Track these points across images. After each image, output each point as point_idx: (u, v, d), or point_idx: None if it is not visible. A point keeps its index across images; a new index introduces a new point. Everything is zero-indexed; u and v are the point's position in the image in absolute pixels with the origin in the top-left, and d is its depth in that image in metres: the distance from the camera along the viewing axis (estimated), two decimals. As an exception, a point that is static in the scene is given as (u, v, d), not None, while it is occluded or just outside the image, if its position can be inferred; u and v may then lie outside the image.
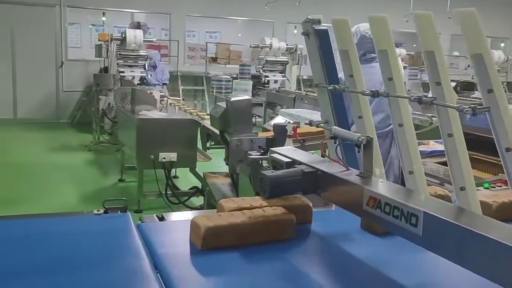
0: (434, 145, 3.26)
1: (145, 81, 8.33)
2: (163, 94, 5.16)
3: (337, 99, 1.75)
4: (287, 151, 1.82)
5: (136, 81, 7.88)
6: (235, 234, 1.43)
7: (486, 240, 1.02)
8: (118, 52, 7.94)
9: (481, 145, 2.87)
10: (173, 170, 5.27)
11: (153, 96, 4.57)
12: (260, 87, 9.21)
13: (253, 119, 9.54)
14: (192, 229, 1.45)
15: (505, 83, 12.61)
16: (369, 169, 1.48)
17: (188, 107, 5.17)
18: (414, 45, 15.72)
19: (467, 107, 1.11)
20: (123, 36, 7.90)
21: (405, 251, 1.39)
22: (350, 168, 1.55)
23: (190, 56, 13.00)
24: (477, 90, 10.73)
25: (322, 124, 1.70)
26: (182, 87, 10.35)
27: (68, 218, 1.73)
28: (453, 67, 14.57)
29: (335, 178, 1.50)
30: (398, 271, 1.37)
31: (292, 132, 2.58)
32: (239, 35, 13.22)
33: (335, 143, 1.60)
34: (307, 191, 1.62)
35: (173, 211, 4.17)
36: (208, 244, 1.40)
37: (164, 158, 4.05)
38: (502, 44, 14.68)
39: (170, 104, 5.05)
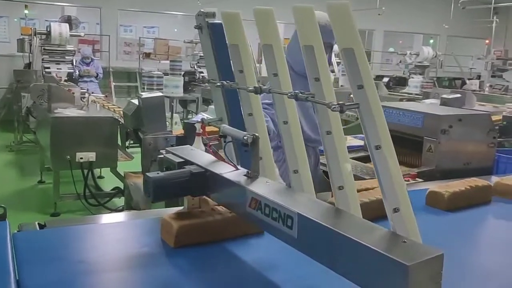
0: (351, 140, 3.28)
1: (73, 77, 7.98)
2: (84, 90, 4.93)
3: (231, 96, 1.68)
4: (183, 150, 1.74)
5: (64, 77, 7.52)
6: (206, 231, 1.45)
7: (355, 244, 0.98)
8: (43, 47, 7.55)
9: (401, 140, 2.91)
10: (97, 170, 5.07)
11: (72, 93, 4.35)
12: (195, 83, 9.07)
13: (190, 116, 9.39)
14: (164, 227, 1.45)
15: (435, 78, 13.12)
16: (256, 169, 1.43)
17: (112, 104, 4.96)
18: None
19: (336, 104, 1.06)
20: (48, 30, 7.52)
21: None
22: (240, 168, 1.49)
23: (126, 52, 12.63)
24: (408, 85, 11.11)
25: (213, 122, 1.62)
26: (114, 83, 10.02)
27: None
28: (388, 62, 15.03)
29: (221, 178, 1.44)
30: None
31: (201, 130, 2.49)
32: (175, 30, 12.97)
33: (224, 141, 1.54)
34: (196, 193, 1.55)
35: (92, 213, 4.00)
36: (181, 242, 1.40)
37: (81, 158, 3.86)
38: (431, 41, 15.24)
39: (93, 101, 4.84)
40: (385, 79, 12.29)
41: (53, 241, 1.51)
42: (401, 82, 12.03)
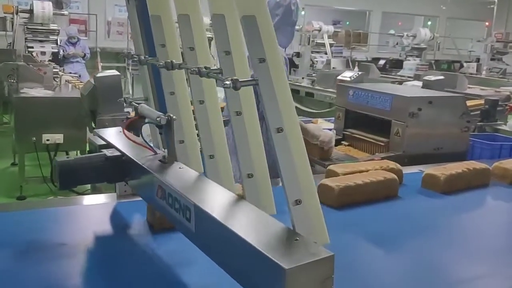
0: (322, 123, 3.13)
1: (59, 57, 7.81)
2: (56, 70, 4.77)
3: (159, 74, 1.54)
4: (110, 132, 1.60)
5: (48, 57, 7.35)
6: (360, 193, 1.65)
7: (242, 241, 0.84)
8: (26, 26, 7.36)
9: (370, 123, 2.77)
10: (73, 153, 4.93)
11: (44, 72, 4.20)
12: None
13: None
14: (322, 191, 1.60)
15: (432, 61, 12.88)
16: (172, 153, 1.29)
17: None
18: (348, 23, 15.82)
19: (229, 80, 0.92)
20: (31, 8, 7.33)
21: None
22: (159, 152, 1.36)
23: (119, 32, 12.38)
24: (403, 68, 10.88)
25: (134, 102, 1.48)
26: (102, 64, 9.83)
27: None
28: (385, 45, 14.75)
29: (135, 164, 1.31)
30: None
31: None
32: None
33: (142, 123, 1.40)
34: (112, 179, 1.42)
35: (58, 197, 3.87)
36: (342, 202, 1.61)
37: (48, 140, 3.72)
38: (429, 22, 14.94)
39: (66, 81, 4.68)
40: (382, 62, 12.06)
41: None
42: (398, 64, 11.78)
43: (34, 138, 3.70)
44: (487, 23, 14.34)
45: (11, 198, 3.98)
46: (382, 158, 2.43)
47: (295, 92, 6.63)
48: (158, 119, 1.25)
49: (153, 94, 1.54)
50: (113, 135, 1.53)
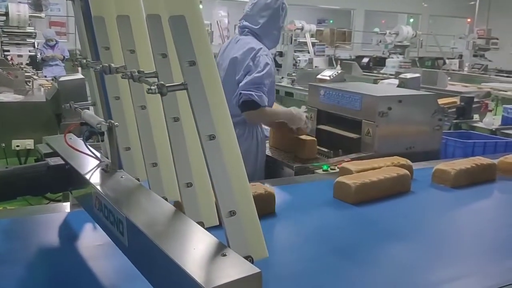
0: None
1: (37, 60, 7.68)
2: (29, 74, 4.67)
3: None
4: (59, 140, 1.54)
5: (25, 60, 7.21)
6: (376, 189, 1.68)
7: (167, 258, 0.78)
8: (1, 29, 7.22)
9: (340, 123, 2.72)
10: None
11: (12, 76, 4.10)
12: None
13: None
14: (339, 188, 1.68)
15: (416, 58, 12.92)
16: (115, 162, 1.23)
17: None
18: (332, 21, 15.83)
19: (155, 84, 0.86)
20: (6, 11, 7.19)
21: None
22: (104, 160, 1.29)
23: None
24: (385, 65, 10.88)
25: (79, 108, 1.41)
26: (82, 66, 9.71)
27: None
28: (368, 42, 14.76)
29: (77, 173, 1.24)
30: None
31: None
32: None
33: (85, 130, 1.34)
34: (55, 189, 1.35)
35: (30, 204, 3.78)
36: (359, 199, 1.63)
37: (17, 146, 3.63)
38: (411, 20, 14.99)
39: (40, 85, 4.58)
40: (365, 60, 12.08)
41: None
42: (381, 62, 11.79)
43: (3, 144, 3.60)
44: (468, 20, 14.42)
45: (-20, 206, 3.88)
46: (352, 159, 2.39)
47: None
48: (98, 125, 1.19)
49: (100, 99, 1.47)
50: (60, 143, 1.47)
